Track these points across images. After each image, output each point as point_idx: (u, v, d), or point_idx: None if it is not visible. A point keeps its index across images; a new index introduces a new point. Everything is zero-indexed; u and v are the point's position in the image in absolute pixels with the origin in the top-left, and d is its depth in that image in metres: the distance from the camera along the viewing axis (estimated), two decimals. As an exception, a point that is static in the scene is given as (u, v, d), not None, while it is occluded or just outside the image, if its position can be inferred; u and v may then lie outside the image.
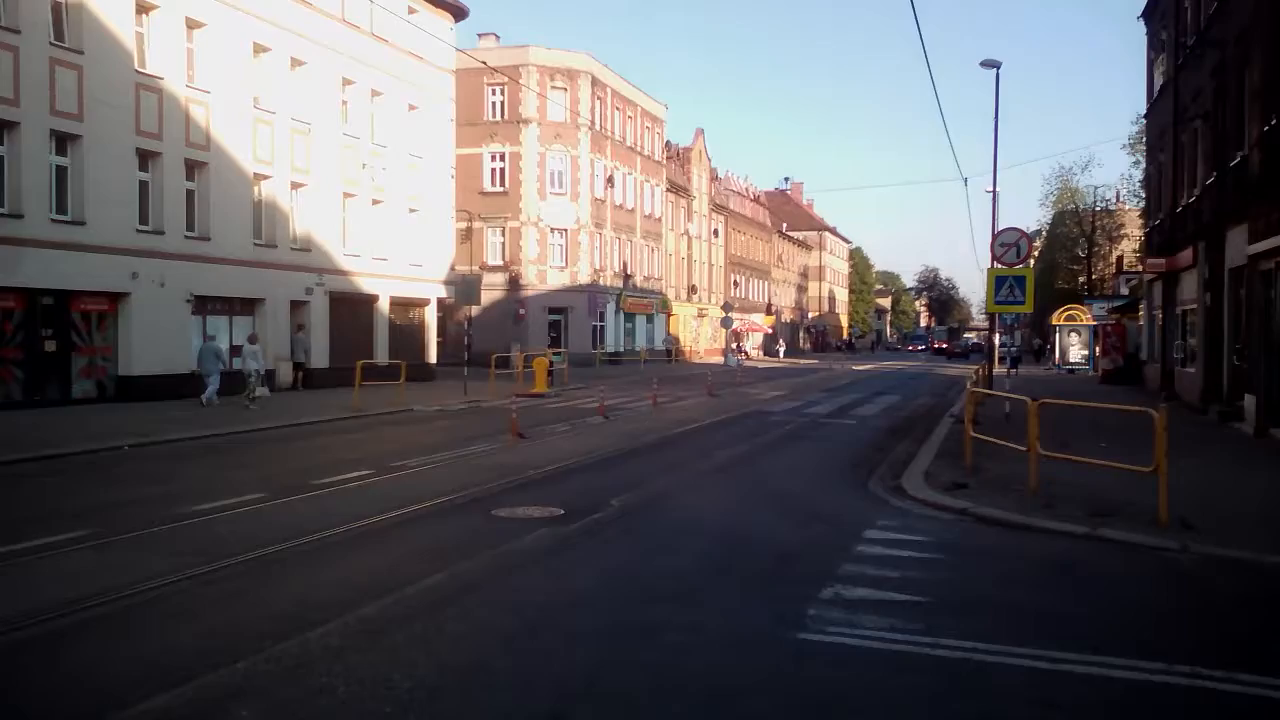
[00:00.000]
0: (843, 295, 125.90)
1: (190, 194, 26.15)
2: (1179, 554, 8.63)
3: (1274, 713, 5.17)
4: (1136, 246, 56.75)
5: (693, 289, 68.41)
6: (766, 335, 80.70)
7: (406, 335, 35.27)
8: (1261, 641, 6.31)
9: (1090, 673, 5.64)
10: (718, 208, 73.79)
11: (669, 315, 63.17)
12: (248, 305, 28.37)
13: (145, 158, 24.74)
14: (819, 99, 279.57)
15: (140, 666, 5.74)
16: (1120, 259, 60.52)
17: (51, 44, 22.05)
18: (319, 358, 30.21)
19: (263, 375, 24.79)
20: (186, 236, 25.85)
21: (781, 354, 76.75)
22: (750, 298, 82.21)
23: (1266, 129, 18.34)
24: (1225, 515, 10.16)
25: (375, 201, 33.38)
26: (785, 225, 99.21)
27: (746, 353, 69.19)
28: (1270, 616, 6.90)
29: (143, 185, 24.73)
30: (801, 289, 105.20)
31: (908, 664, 5.81)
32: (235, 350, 26.52)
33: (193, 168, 26.19)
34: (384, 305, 33.94)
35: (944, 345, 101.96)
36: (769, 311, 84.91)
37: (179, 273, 25.33)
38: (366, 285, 33.00)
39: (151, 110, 24.66)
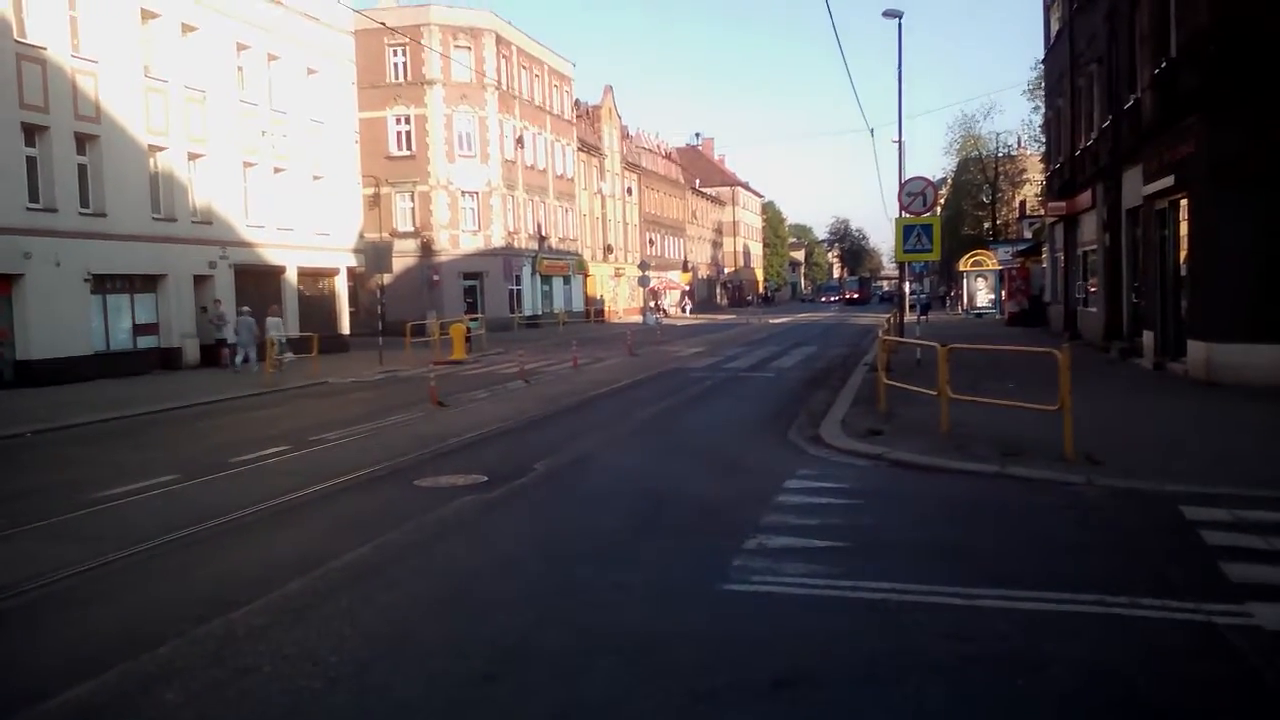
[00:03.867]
0: (757, 249, 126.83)
1: (82, 168, 25.18)
2: (1085, 487, 8.97)
3: (1175, 631, 5.43)
4: (1039, 191, 58.14)
5: (609, 249, 68.27)
6: (684, 292, 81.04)
7: (317, 306, 34.63)
8: (1162, 566, 6.61)
9: (1002, 605, 5.85)
10: (630, 166, 73.57)
11: (586, 276, 62.97)
12: (149, 282, 27.52)
13: (32, 132, 23.70)
14: (726, 54, 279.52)
15: (59, 657, 5.61)
16: (1023, 203, 61.96)
17: (-79, 15, 20.94)
18: (227, 331, 29.39)
19: (285, 343, 27.20)
20: (81, 213, 24.93)
21: (687, 310, 76.72)
22: (667, 255, 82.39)
23: (1157, 72, 18.90)
24: (1127, 448, 10.59)
25: (277, 170, 32.53)
26: (698, 181, 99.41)
27: (665, 310, 69.41)
28: (1170, 542, 7.22)
29: (30, 161, 23.72)
30: (716, 245, 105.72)
31: (829, 607, 5.97)
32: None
33: (83, 141, 25.20)
34: (292, 276, 33.20)
35: (855, 295, 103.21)
36: (685, 268, 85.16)
37: (75, 251, 24.41)
38: (272, 256, 32.22)
39: (35, 82, 23.60)
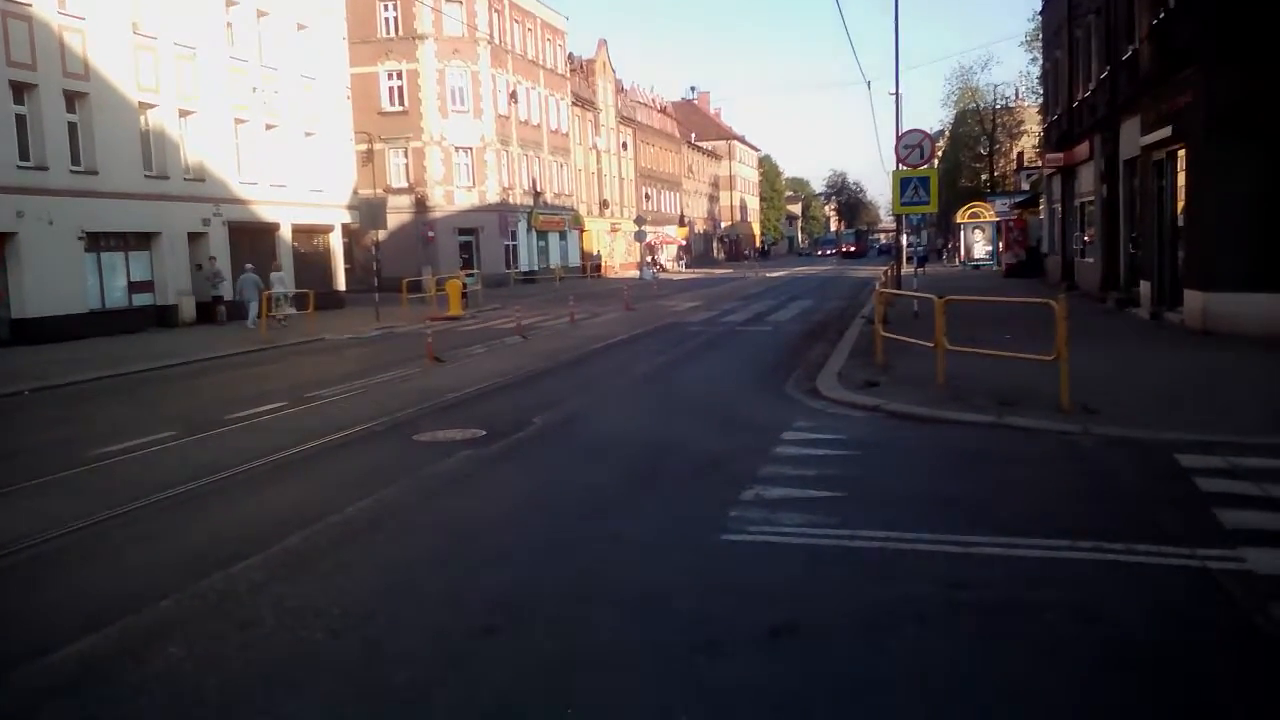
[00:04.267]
0: (754, 204, 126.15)
1: (73, 126, 24.96)
2: (1080, 436, 9.01)
3: (1170, 577, 5.48)
4: (1036, 142, 57.80)
5: (604, 204, 67.89)
6: (680, 247, 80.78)
7: (312, 263, 34.47)
8: (1156, 513, 6.65)
9: (997, 553, 5.90)
10: (625, 120, 72.94)
11: (582, 231, 62.68)
12: (143, 240, 27.40)
13: (20, 90, 23.46)
14: (722, 6, 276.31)
15: (61, 612, 5.64)
16: (1021, 155, 61.60)
17: (-96, -30, 20.61)
18: (223, 289, 29.30)
19: (289, 296, 28.02)
20: (72, 171, 24.75)
21: (684, 265, 76.51)
22: (663, 210, 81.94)
23: (1156, 22, 18.71)
24: (1123, 397, 10.62)
25: (269, 126, 32.22)
26: (694, 135, 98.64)
27: (662, 265, 69.21)
28: (1165, 490, 7.26)
29: (20, 119, 23.50)
30: (713, 199, 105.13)
31: (827, 556, 6.01)
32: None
33: (73, 99, 24.94)
34: (286, 233, 33.02)
35: (851, 248, 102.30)
36: (682, 223, 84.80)
37: (68, 209, 24.26)
38: (266, 213, 32.02)
39: (22, 39, 23.32)
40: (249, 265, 27.85)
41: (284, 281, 28.51)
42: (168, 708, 4.38)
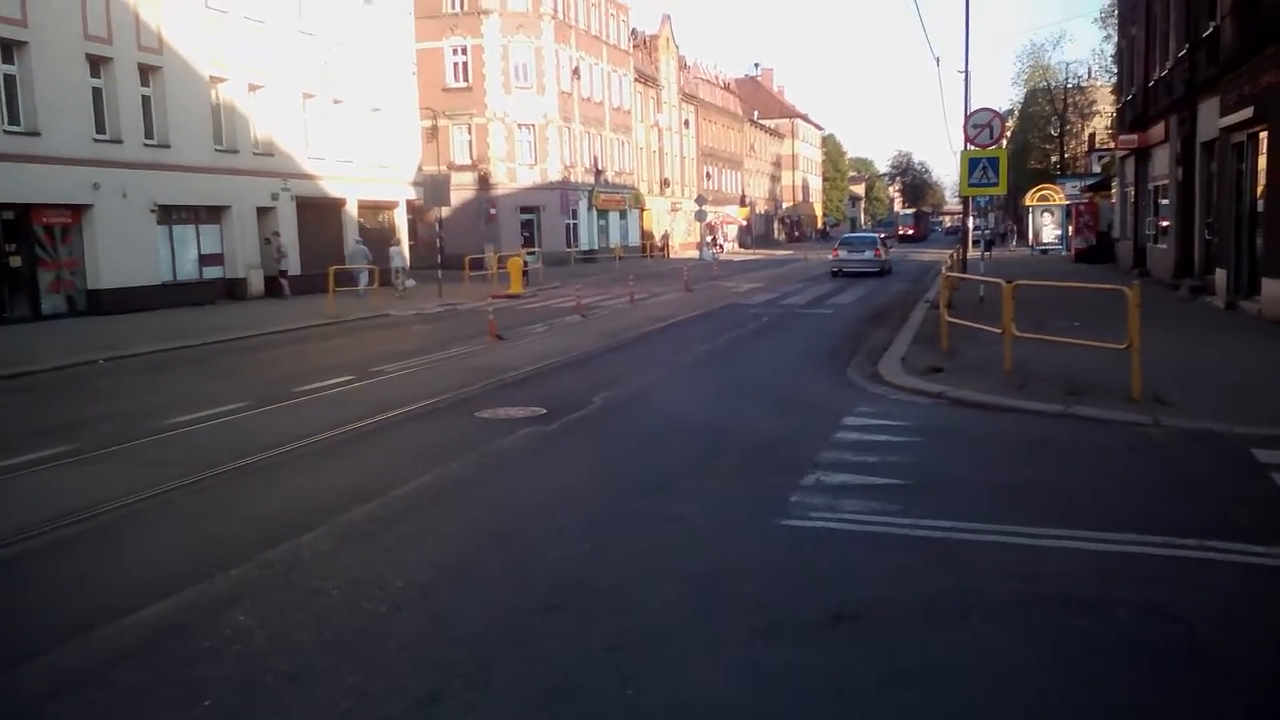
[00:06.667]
0: (816, 184, 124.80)
1: (146, 100, 25.47)
2: (1151, 428, 8.79)
3: (1244, 575, 5.34)
4: (1109, 123, 56.33)
5: (665, 182, 67.68)
6: (740, 227, 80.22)
7: (376, 239, 34.79)
8: (1231, 509, 6.48)
9: (1066, 546, 5.79)
10: (687, 97, 72.52)
11: (642, 210, 62.56)
12: (213, 213, 27.93)
13: (96, 63, 23.98)
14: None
15: (131, 578, 5.80)
16: (1093, 136, 60.18)
17: (-13, -54, 21.12)
18: (286, 263, 29.76)
19: (406, 270, 30.75)
20: (145, 144, 25.28)
21: (739, 246, 76.05)
22: (723, 189, 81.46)
23: (1240, -2, 18.07)
24: (1196, 388, 10.34)
25: (336, 101, 32.59)
26: (756, 113, 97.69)
27: (721, 246, 68.86)
28: (1240, 485, 7.06)
29: (96, 92, 24.04)
30: (775, 179, 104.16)
31: (889, 544, 5.94)
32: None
33: (147, 72, 25.44)
34: (352, 209, 33.45)
35: (910, 231, 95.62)
36: (743, 203, 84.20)
37: (141, 182, 24.80)
38: (333, 189, 32.44)
39: (99, 13, 23.79)
40: (357, 239, 30.09)
41: (402, 256, 31.01)
42: (236, 674, 4.47)
